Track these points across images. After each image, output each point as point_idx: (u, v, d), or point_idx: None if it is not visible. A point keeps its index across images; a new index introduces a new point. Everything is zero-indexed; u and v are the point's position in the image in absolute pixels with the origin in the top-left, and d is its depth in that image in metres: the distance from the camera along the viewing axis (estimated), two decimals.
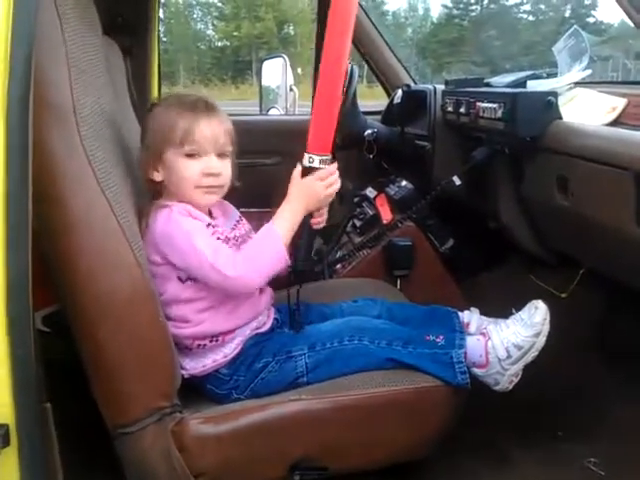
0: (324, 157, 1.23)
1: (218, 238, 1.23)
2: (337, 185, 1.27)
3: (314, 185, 1.25)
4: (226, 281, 1.18)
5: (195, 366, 1.26)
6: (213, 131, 1.23)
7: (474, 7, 25.88)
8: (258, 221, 1.46)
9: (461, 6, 25.63)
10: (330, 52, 1.20)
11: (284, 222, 1.24)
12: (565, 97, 1.63)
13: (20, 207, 0.90)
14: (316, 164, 1.23)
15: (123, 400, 1.13)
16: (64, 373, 1.17)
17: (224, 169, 1.25)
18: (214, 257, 1.17)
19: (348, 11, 1.18)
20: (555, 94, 1.52)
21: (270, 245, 1.21)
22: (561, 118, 1.51)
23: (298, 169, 1.26)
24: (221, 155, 1.25)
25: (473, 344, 1.33)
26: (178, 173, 1.22)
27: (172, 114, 1.22)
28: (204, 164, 1.22)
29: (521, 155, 1.64)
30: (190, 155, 1.22)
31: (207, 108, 1.24)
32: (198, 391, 1.28)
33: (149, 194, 1.27)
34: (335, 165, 1.27)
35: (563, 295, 1.90)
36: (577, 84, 1.70)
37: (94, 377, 1.12)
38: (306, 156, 1.23)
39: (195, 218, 1.22)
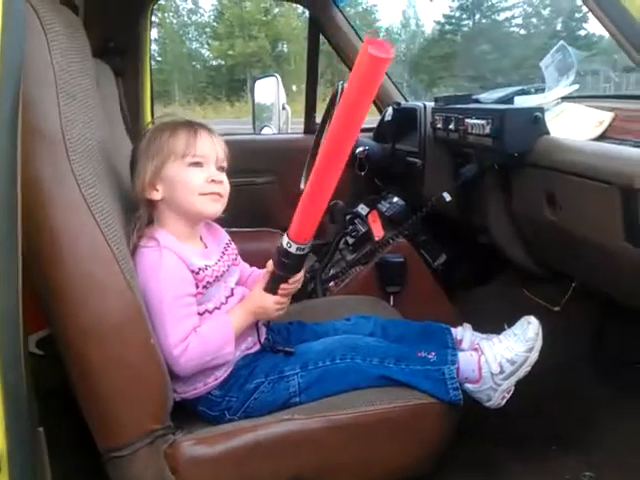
0: (302, 246, 1.22)
1: (207, 282, 1.24)
2: (287, 305, 1.32)
3: (271, 306, 1.29)
4: (173, 362, 1.19)
5: (187, 389, 1.26)
6: (213, 144, 1.26)
7: (466, 22, 26.05)
8: (250, 241, 1.47)
9: (453, 21, 25.77)
10: (330, 152, 1.13)
11: (238, 319, 1.27)
12: (552, 112, 1.65)
13: (9, 233, 0.90)
14: (293, 250, 1.22)
15: (114, 423, 1.13)
16: (58, 396, 1.17)
17: (225, 179, 1.27)
18: (176, 341, 1.18)
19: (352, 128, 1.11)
20: (542, 110, 1.54)
21: (222, 343, 1.24)
22: (548, 133, 1.52)
23: (259, 287, 1.29)
24: (220, 169, 1.27)
25: (466, 359, 1.33)
26: (182, 183, 1.23)
27: (169, 130, 1.24)
28: (207, 172, 1.24)
29: (510, 170, 1.65)
30: (193, 164, 1.24)
31: (202, 126, 1.27)
32: (191, 412, 1.28)
33: (141, 215, 1.27)
34: (296, 285, 1.30)
35: (556, 309, 1.90)
36: (564, 99, 1.72)
37: (85, 401, 1.12)
38: (285, 239, 1.22)
39: (184, 262, 1.22)
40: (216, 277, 1.27)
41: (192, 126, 1.25)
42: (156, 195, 1.24)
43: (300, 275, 1.30)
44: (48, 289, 1.06)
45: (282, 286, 1.28)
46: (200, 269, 1.24)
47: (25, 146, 0.94)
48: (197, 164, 1.24)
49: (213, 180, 1.24)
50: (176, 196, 1.24)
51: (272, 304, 1.29)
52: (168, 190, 1.24)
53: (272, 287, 1.28)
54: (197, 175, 1.24)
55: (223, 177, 1.27)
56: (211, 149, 1.25)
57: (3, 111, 0.90)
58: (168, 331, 1.18)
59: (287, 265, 1.25)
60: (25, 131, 0.94)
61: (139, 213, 1.25)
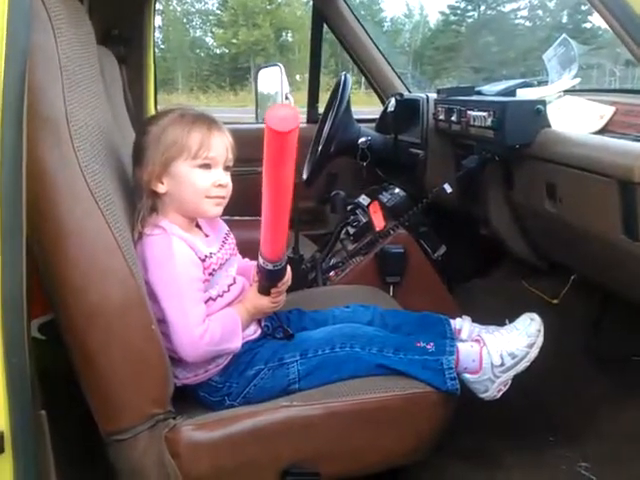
0: (277, 263, 1.25)
1: (213, 270, 1.26)
2: (283, 300, 1.35)
3: (266, 305, 1.32)
4: (192, 343, 1.21)
5: (187, 375, 1.27)
6: (225, 145, 1.26)
7: (471, 13, 25.92)
8: (252, 229, 1.48)
9: (458, 12, 25.66)
10: (273, 201, 1.14)
11: (243, 317, 1.30)
12: (554, 105, 1.66)
13: (14, 219, 0.91)
14: (270, 268, 1.25)
15: (116, 407, 1.14)
16: (59, 380, 1.19)
17: (229, 181, 1.28)
18: (195, 322, 1.21)
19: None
20: (544, 102, 1.54)
21: (234, 329, 1.27)
22: (549, 126, 1.53)
23: (254, 288, 1.32)
24: (226, 168, 1.28)
25: (466, 350, 1.35)
26: (189, 184, 1.24)
27: (184, 126, 1.24)
28: (215, 175, 1.25)
29: (511, 163, 1.66)
30: (202, 166, 1.24)
31: (216, 122, 1.27)
32: (191, 397, 1.30)
33: (144, 204, 1.27)
34: (286, 284, 1.33)
35: (555, 301, 1.91)
36: (566, 92, 1.73)
37: (87, 385, 1.13)
38: (261, 258, 1.25)
39: (192, 248, 1.23)
40: (220, 265, 1.28)
41: (208, 123, 1.25)
42: (161, 188, 1.25)
43: (287, 277, 1.32)
44: (51, 274, 1.07)
45: (273, 290, 1.31)
46: (206, 256, 1.25)
47: (30, 133, 0.95)
48: (207, 166, 1.24)
49: (220, 184, 1.25)
50: (181, 194, 1.25)
51: (267, 304, 1.32)
52: (173, 186, 1.25)
53: (263, 291, 1.31)
54: (205, 178, 1.24)
55: (229, 179, 1.28)
56: (223, 149, 1.25)
57: (9, 98, 0.91)
58: (188, 312, 1.20)
59: (270, 278, 1.29)
60: (30, 118, 0.95)
61: (142, 202, 1.25)
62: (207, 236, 1.33)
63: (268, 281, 1.29)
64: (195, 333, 1.20)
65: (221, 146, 1.25)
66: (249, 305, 1.31)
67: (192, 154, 1.23)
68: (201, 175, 1.24)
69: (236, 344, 1.27)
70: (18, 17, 0.92)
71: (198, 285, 1.23)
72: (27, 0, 0.94)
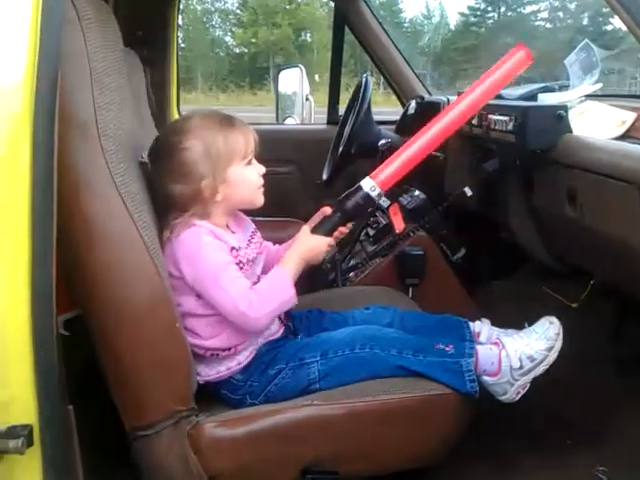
0: (380, 193, 1.31)
1: (240, 262, 1.27)
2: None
3: (322, 247, 1.35)
4: (245, 320, 1.23)
5: (209, 372, 1.29)
6: (254, 137, 1.32)
7: (491, 15, 25.85)
8: (272, 231, 1.49)
9: (478, 13, 25.60)
10: (457, 116, 1.30)
11: (291, 267, 1.30)
12: (576, 110, 1.65)
13: (45, 218, 0.93)
14: (374, 194, 1.29)
15: (141, 404, 1.16)
16: (84, 376, 1.21)
17: None
18: (238, 297, 1.22)
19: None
20: (565, 107, 1.54)
21: (282, 290, 1.27)
22: (571, 131, 1.52)
23: (306, 232, 1.36)
24: None
25: (485, 352, 1.35)
26: (246, 182, 1.29)
27: (227, 132, 1.27)
28: (257, 167, 1.32)
29: (532, 167, 1.66)
30: (248, 163, 1.30)
31: (239, 119, 1.32)
32: (213, 395, 1.31)
33: (195, 212, 1.27)
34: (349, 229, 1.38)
35: (574, 305, 1.91)
36: (588, 97, 1.72)
37: (113, 382, 1.15)
38: (370, 182, 1.29)
39: (220, 240, 1.26)
40: (247, 260, 1.30)
41: (239, 122, 1.30)
42: (218, 197, 1.27)
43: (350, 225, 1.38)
44: (79, 272, 1.09)
45: (340, 229, 1.35)
46: (234, 247, 1.28)
47: (60, 134, 0.97)
48: (250, 161, 1.30)
49: (262, 174, 1.32)
50: (237, 194, 1.30)
51: (324, 245, 1.35)
52: (228, 190, 1.27)
53: (329, 229, 1.35)
54: (254, 172, 1.31)
55: None
56: (253, 142, 1.31)
57: (41, 99, 0.93)
58: (228, 290, 1.22)
59: (360, 208, 1.33)
60: (61, 120, 0.96)
61: (194, 210, 1.26)
62: (234, 233, 1.35)
63: (355, 212, 1.34)
64: (240, 309, 1.21)
65: (253, 139, 1.31)
66: (304, 248, 1.33)
67: (242, 154, 1.28)
68: (250, 171, 1.30)
69: (290, 295, 1.27)
70: (51, 19, 0.94)
71: (233, 267, 1.25)
72: (60, 5, 0.96)
